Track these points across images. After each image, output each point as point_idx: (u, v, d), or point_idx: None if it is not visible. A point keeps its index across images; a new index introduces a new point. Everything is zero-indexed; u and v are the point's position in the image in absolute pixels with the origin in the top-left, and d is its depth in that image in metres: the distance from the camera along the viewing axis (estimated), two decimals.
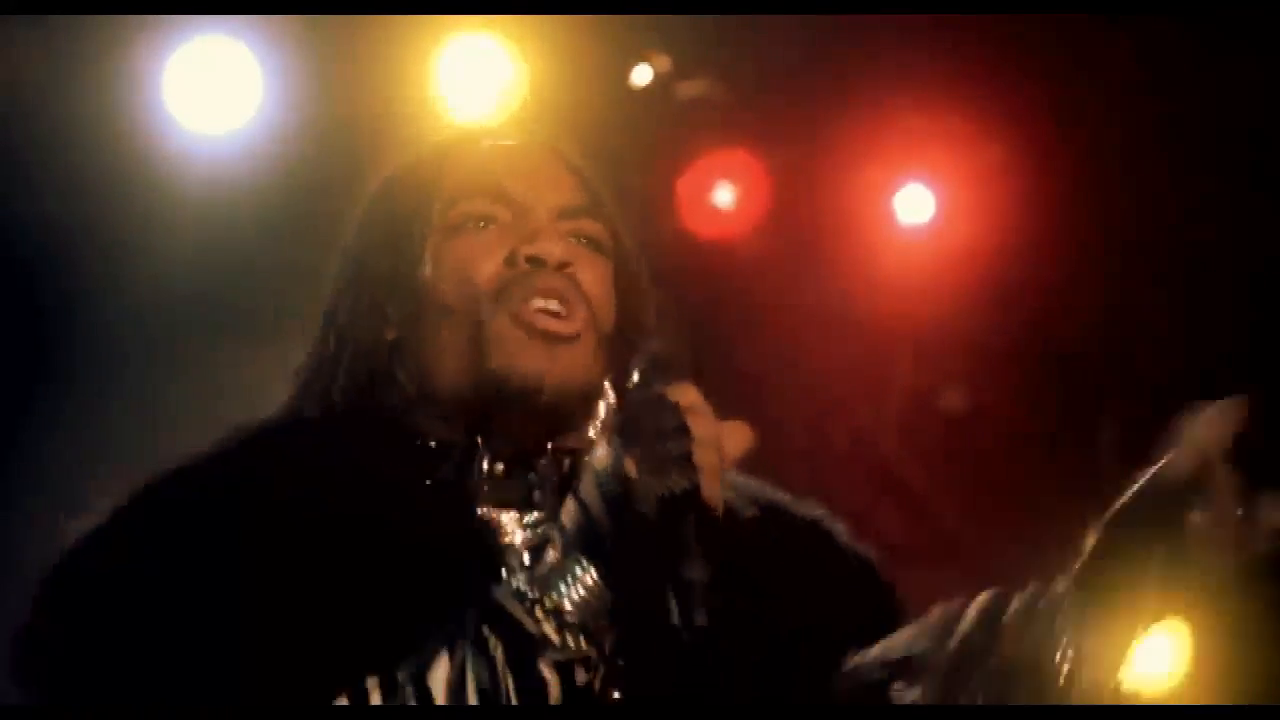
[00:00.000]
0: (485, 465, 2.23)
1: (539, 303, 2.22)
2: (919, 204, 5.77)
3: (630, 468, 2.00)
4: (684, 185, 5.74)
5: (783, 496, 2.39)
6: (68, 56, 4.97)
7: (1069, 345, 5.93)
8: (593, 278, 2.28)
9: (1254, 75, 5.38)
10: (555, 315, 2.22)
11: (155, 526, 2.15)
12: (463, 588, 2.06)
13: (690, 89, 5.64)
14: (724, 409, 2.11)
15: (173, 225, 5.09)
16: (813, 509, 2.40)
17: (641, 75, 5.57)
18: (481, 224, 2.29)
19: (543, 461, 2.24)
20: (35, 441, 5.14)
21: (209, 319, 5.21)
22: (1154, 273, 5.74)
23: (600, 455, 2.04)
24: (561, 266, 2.25)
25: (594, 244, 2.32)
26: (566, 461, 2.24)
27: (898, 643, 2.16)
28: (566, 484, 2.17)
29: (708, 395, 2.08)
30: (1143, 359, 5.88)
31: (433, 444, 2.24)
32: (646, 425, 2.01)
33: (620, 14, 5.25)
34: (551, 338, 2.21)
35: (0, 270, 5.08)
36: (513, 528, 2.22)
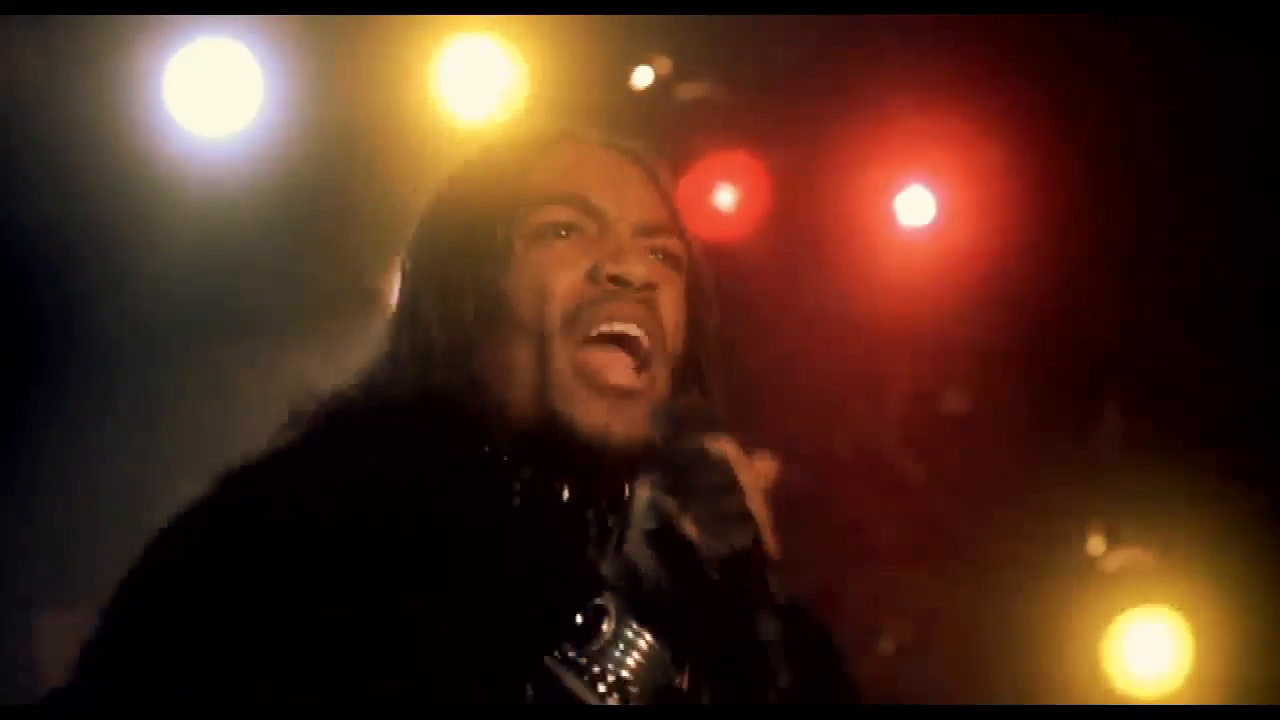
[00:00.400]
0: (561, 493, 2.19)
1: (617, 326, 2.18)
2: (920, 205, 5.76)
3: (690, 529, 1.97)
4: (685, 187, 5.73)
5: None
6: (68, 57, 4.98)
7: (1069, 345, 5.93)
8: (671, 299, 2.25)
9: (1254, 75, 5.38)
10: (626, 345, 2.18)
11: (253, 518, 2.09)
12: (540, 600, 2.03)
13: (691, 90, 5.64)
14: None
15: (173, 226, 5.08)
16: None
17: (642, 77, 5.57)
18: (564, 233, 2.25)
19: (613, 493, 2.20)
20: (35, 441, 5.14)
21: (209, 319, 5.21)
22: (1154, 273, 5.74)
23: (644, 511, 2.01)
24: (646, 288, 2.21)
25: (674, 262, 2.29)
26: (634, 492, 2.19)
27: None
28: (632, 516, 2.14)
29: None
30: (1143, 358, 5.88)
31: (505, 458, 2.20)
32: (697, 483, 1.99)
33: (621, 15, 5.25)
34: (614, 392, 2.17)
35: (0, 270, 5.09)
36: (592, 553, 2.18)
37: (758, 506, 1.99)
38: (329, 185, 5.05)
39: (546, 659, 2.00)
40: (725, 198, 5.74)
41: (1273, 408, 5.75)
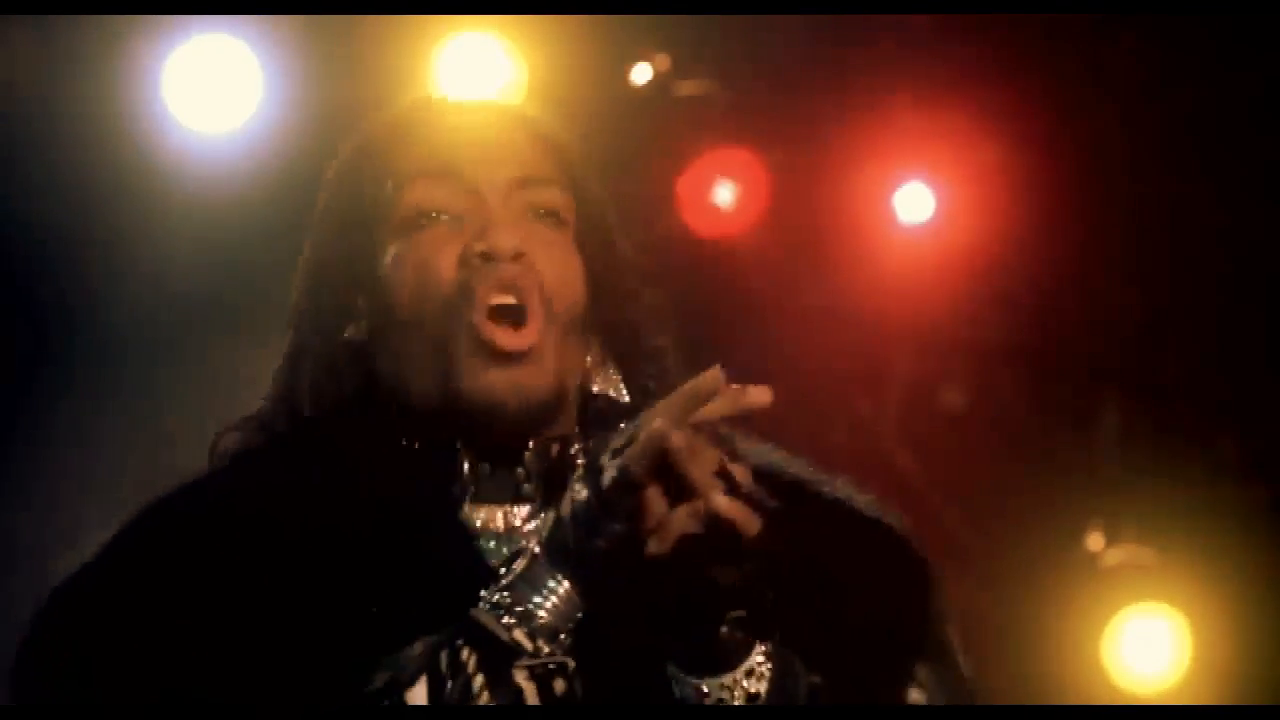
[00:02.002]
0: (468, 466, 2.20)
1: (495, 297, 2.17)
2: (919, 203, 5.76)
3: (606, 464, 1.96)
4: (683, 184, 5.73)
5: (808, 473, 2.36)
6: (66, 56, 4.98)
7: (1069, 344, 5.93)
8: (550, 257, 2.21)
9: (1254, 75, 5.38)
10: (509, 314, 2.17)
11: (150, 549, 2.12)
12: (446, 596, 2.04)
13: (690, 88, 5.64)
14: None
15: (171, 224, 5.09)
16: (839, 484, 2.35)
17: (641, 74, 5.57)
18: (435, 215, 2.23)
19: (527, 454, 2.20)
20: (34, 441, 5.14)
21: (207, 318, 5.21)
22: (1154, 272, 5.74)
23: (579, 490, 1.98)
24: (516, 257, 2.19)
25: (552, 215, 2.25)
26: (555, 448, 2.21)
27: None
28: (555, 471, 2.16)
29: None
30: (1143, 358, 5.89)
31: (415, 446, 2.21)
32: (614, 438, 1.98)
33: (619, 13, 5.25)
34: (505, 356, 2.15)
35: None
36: (502, 522, 2.20)
37: (698, 474, 1.94)
38: None
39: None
40: (724, 194, 5.74)
41: (1272, 405, 5.75)
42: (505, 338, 2.16)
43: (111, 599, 2.09)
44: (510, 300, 2.17)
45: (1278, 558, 5.72)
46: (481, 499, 2.21)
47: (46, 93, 4.98)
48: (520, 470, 2.20)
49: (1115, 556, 5.99)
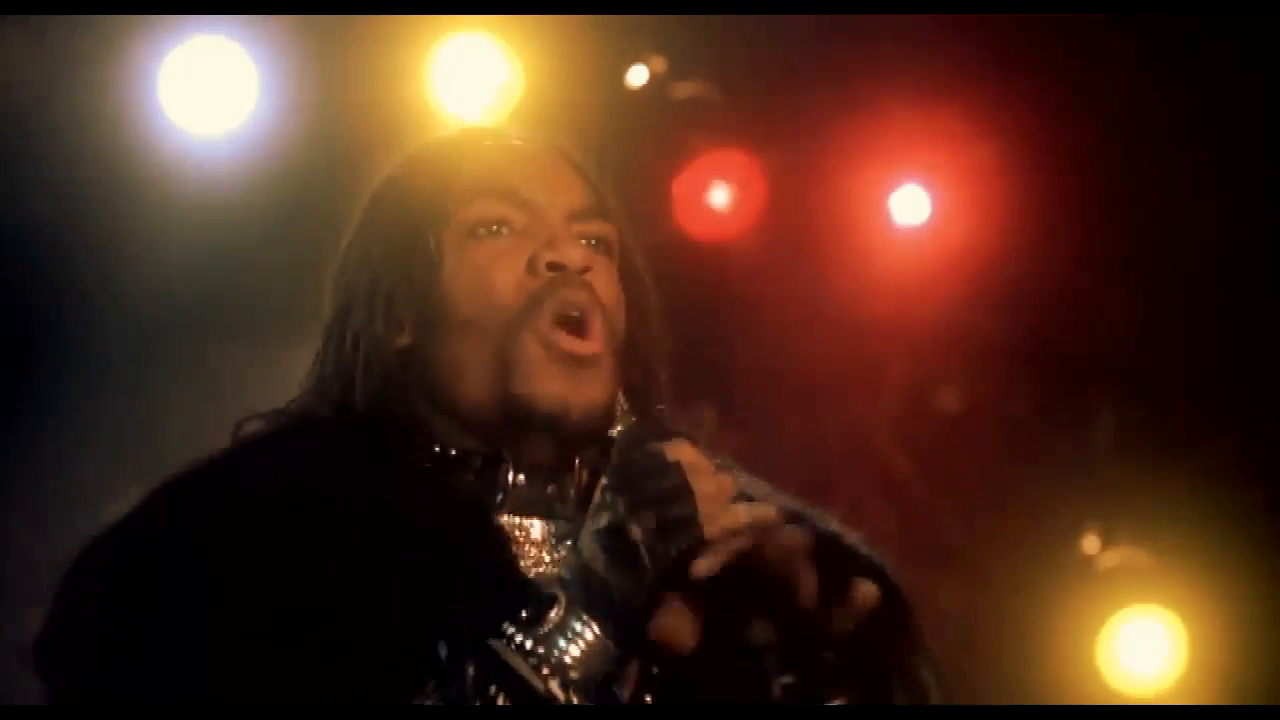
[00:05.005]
0: (510, 477, 2.22)
1: (571, 312, 2.21)
2: (915, 204, 5.76)
3: (636, 533, 2.00)
4: (680, 186, 5.73)
5: (797, 506, 2.38)
6: (62, 57, 4.97)
7: (1066, 345, 5.93)
8: (605, 282, 2.26)
9: (1254, 75, 5.38)
10: (577, 328, 2.21)
11: (175, 525, 2.12)
12: (475, 601, 2.05)
13: (686, 89, 5.64)
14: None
15: (168, 226, 5.08)
16: (828, 520, 2.35)
17: (637, 76, 5.57)
18: (496, 229, 2.26)
19: (566, 473, 2.23)
20: (31, 441, 5.14)
21: (204, 319, 5.21)
22: (1152, 272, 5.74)
23: (595, 508, 2.04)
24: (582, 272, 2.23)
25: (604, 246, 2.30)
26: (586, 473, 2.23)
27: None
28: (587, 494, 2.16)
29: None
30: (1140, 359, 5.89)
31: (453, 452, 2.23)
32: (647, 487, 2.02)
33: (616, 14, 5.25)
34: (573, 360, 2.19)
35: None
36: (538, 534, 2.21)
37: (712, 509, 2.01)
38: (324, 184, 5.05)
39: (491, 641, 2.02)
40: (720, 196, 5.74)
41: (1269, 407, 5.76)
42: (574, 343, 2.19)
43: (131, 581, 2.09)
44: (576, 314, 2.21)
45: (1274, 560, 5.72)
46: (518, 510, 2.22)
47: (42, 93, 4.97)
48: (553, 487, 2.22)
49: (1111, 559, 5.99)
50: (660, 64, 5.58)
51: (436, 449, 2.23)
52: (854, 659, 2.17)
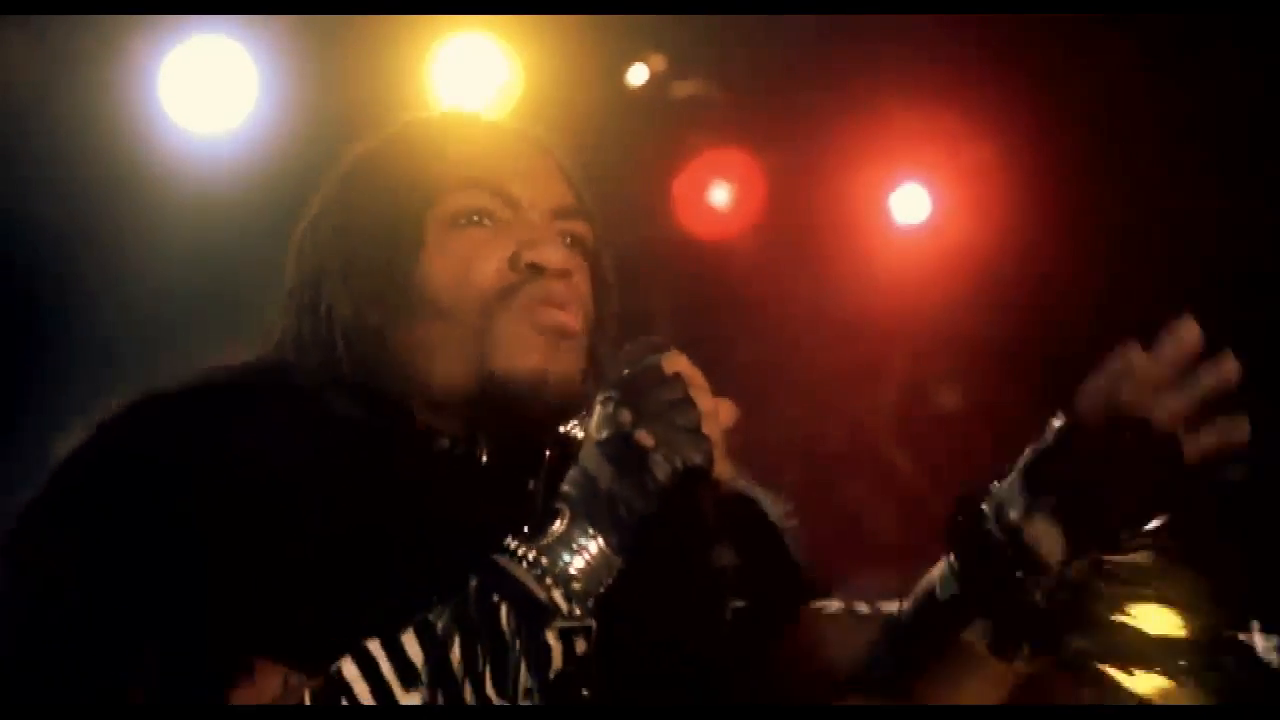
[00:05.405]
0: (484, 456, 2.23)
1: (551, 311, 2.23)
2: (915, 203, 5.77)
3: (645, 439, 2.02)
4: (680, 185, 5.74)
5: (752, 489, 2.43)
6: (63, 56, 4.97)
7: (1065, 344, 5.92)
8: (582, 280, 2.29)
9: (1251, 75, 5.39)
10: (560, 304, 2.23)
11: (149, 449, 2.15)
12: (464, 558, 2.06)
13: (686, 88, 5.64)
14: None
15: (168, 224, 5.09)
16: (740, 485, 2.40)
17: (637, 75, 5.57)
18: (478, 219, 2.27)
19: (533, 451, 2.24)
20: (30, 441, 5.13)
21: (203, 318, 5.21)
22: (1151, 271, 5.74)
23: (598, 422, 2.05)
24: (563, 274, 2.24)
25: (580, 244, 2.32)
26: (549, 452, 2.24)
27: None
28: (553, 471, 2.17)
29: None
30: None
31: (427, 429, 2.24)
32: (652, 396, 2.04)
33: (616, 14, 5.25)
34: (556, 331, 2.21)
35: None
36: (510, 510, 2.21)
37: (714, 430, 2.04)
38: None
39: (494, 555, 2.04)
40: (720, 195, 5.75)
41: (1270, 406, 5.75)
42: (556, 315, 2.21)
43: (106, 500, 2.12)
44: (558, 315, 2.22)
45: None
46: (489, 487, 2.23)
47: (43, 93, 4.97)
48: (525, 467, 2.22)
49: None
50: (660, 63, 5.59)
51: (414, 423, 2.24)
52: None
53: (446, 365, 2.22)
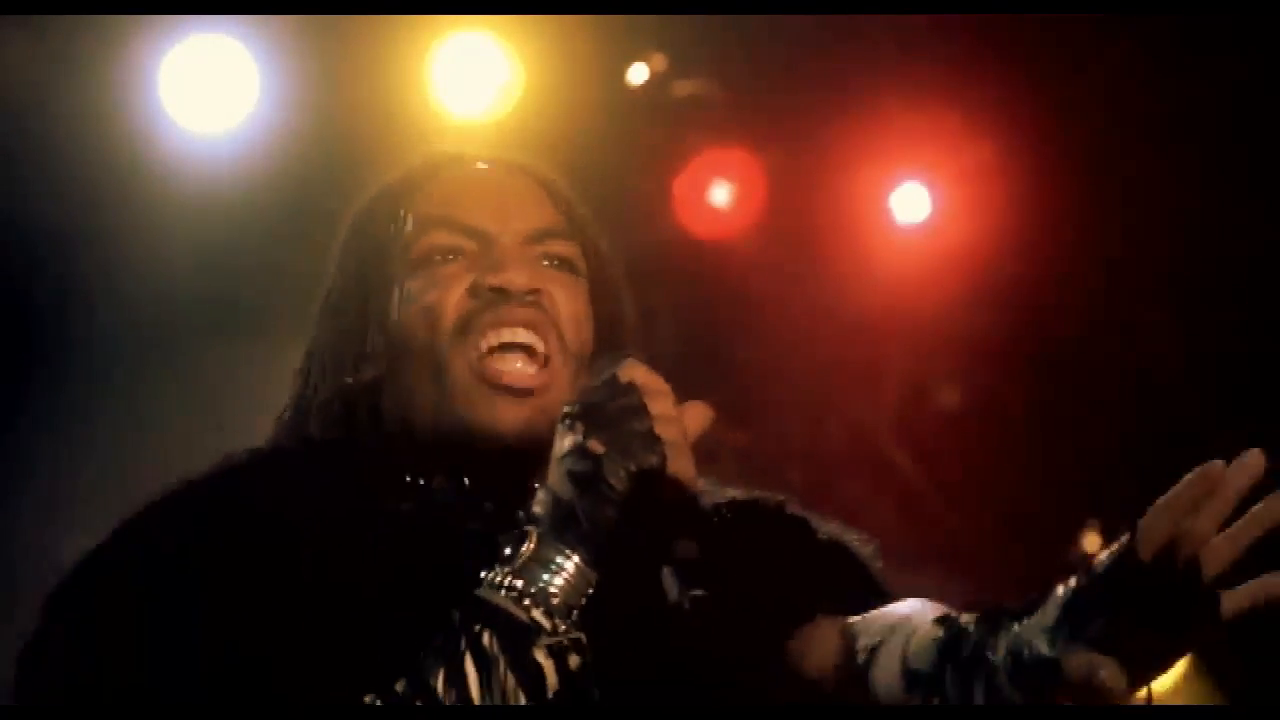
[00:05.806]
0: (470, 500, 2.23)
1: (505, 334, 2.22)
2: (915, 203, 5.77)
3: (596, 446, 2.01)
4: (680, 184, 5.74)
5: (753, 491, 2.40)
6: (63, 56, 4.97)
7: (1066, 344, 5.93)
8: (565, 299, 2.27)
9: (1253, 75, 5.39)
10: (523, 352, 2.22)
11: (156, 546, 2.15)
12: (446, 600, 2.06)
13: (686, 88, 5.64)
14: (721, 407, 2.11)
15: (168, 224, 5.09)
16: (778, 495, 2.40)
17: (638, 74, 5.57)
18: (448, 257, 2.28)
19: (523, 489, 2.21)
20: (29, 441, 5.14)
21: (203, 318, 5.21)
22: (1151, 271, 5.75)
23: (558, 440, 2.05)
24: (529, 294, 2.24)
25: (566, 265, 2.31)
26: (538, 486, 2.21)
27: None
28: None
29: (704, 395, 2.09)
30: (1140, 358, 5.89)
31: (408, 479, 2.24)
32: (606, 407, 2.03)
33: (617, 14, 5.25)
34: (513, 392, 2.21)
35: None
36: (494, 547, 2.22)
37: (671, 431, 2.02)
38: (324, 183, 5.05)
39: (478, 590, 2.04)
40: (721, 195, 5.75)
41: (1273, 405, 5.75)
42: (514, 376, 2.21)
43: (114, 603, 2.11)
44: (521, 337, 2.22)
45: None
46: (479, 527, 2.21)
47: (43, 92, 4.98)
48: (520, 515, 2.18)
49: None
50: (661, 62, 5.59)
51: (407, 479, 2.25)
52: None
53: (421, 406, 2.24)
